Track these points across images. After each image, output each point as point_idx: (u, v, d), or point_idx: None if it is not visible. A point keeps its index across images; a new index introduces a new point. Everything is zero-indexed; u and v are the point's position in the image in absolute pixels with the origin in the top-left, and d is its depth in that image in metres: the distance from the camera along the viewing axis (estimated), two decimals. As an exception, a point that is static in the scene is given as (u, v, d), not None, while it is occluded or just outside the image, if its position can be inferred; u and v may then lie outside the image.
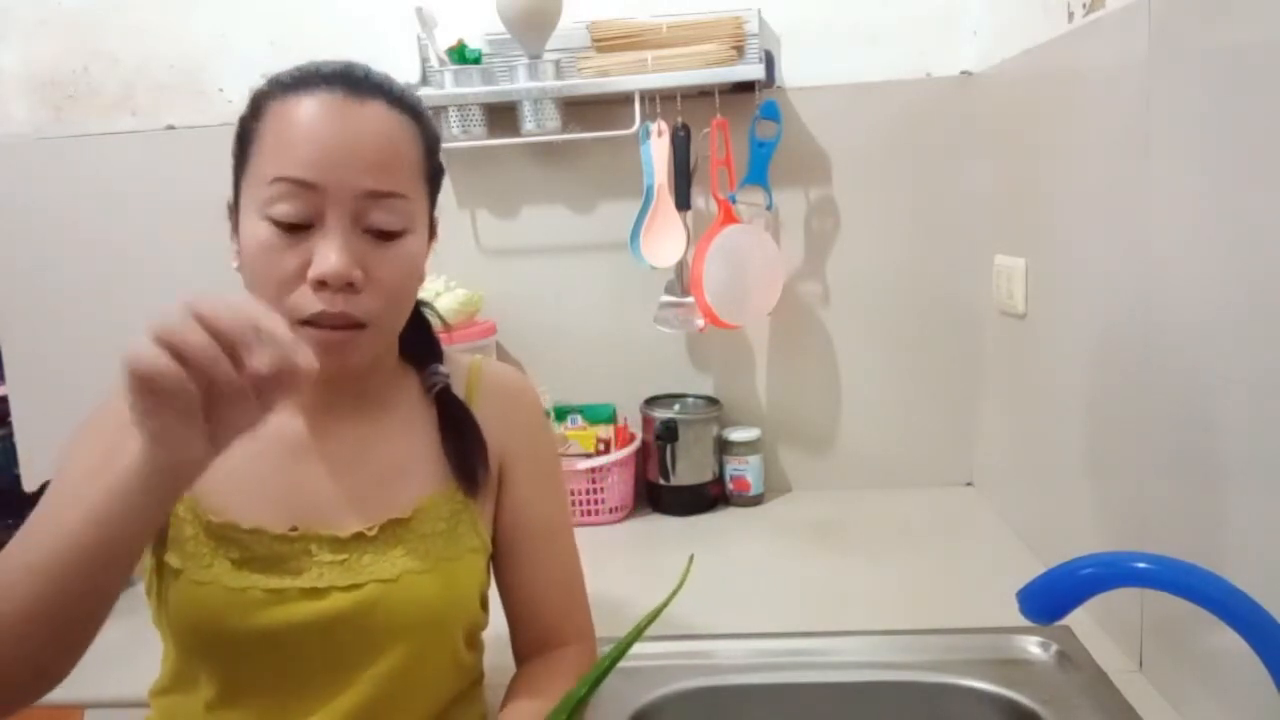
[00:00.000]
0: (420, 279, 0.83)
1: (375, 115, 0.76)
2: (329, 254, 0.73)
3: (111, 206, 1.64)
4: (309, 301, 0.73)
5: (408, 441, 0.86)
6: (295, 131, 0.74)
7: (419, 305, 0.92)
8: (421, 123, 0.81)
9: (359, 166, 0.74)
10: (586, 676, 0.83)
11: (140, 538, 0.65)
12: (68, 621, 0.65)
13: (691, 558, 0.89)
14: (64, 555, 0.63)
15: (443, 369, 0.90)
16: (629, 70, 1.46)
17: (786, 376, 1.64)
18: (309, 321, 0.74)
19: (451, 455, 0.86)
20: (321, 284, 0.73)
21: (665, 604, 0.81)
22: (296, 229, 0.74)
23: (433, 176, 0.84)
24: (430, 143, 0.83)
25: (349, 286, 0.74)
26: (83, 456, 0.77)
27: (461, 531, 0.85)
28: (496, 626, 0.93)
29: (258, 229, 0.75)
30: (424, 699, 0.84)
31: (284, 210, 0.73)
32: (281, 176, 0.73)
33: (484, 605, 0.90)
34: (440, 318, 0.95)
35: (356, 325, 0.75)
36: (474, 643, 0.90)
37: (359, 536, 0.81)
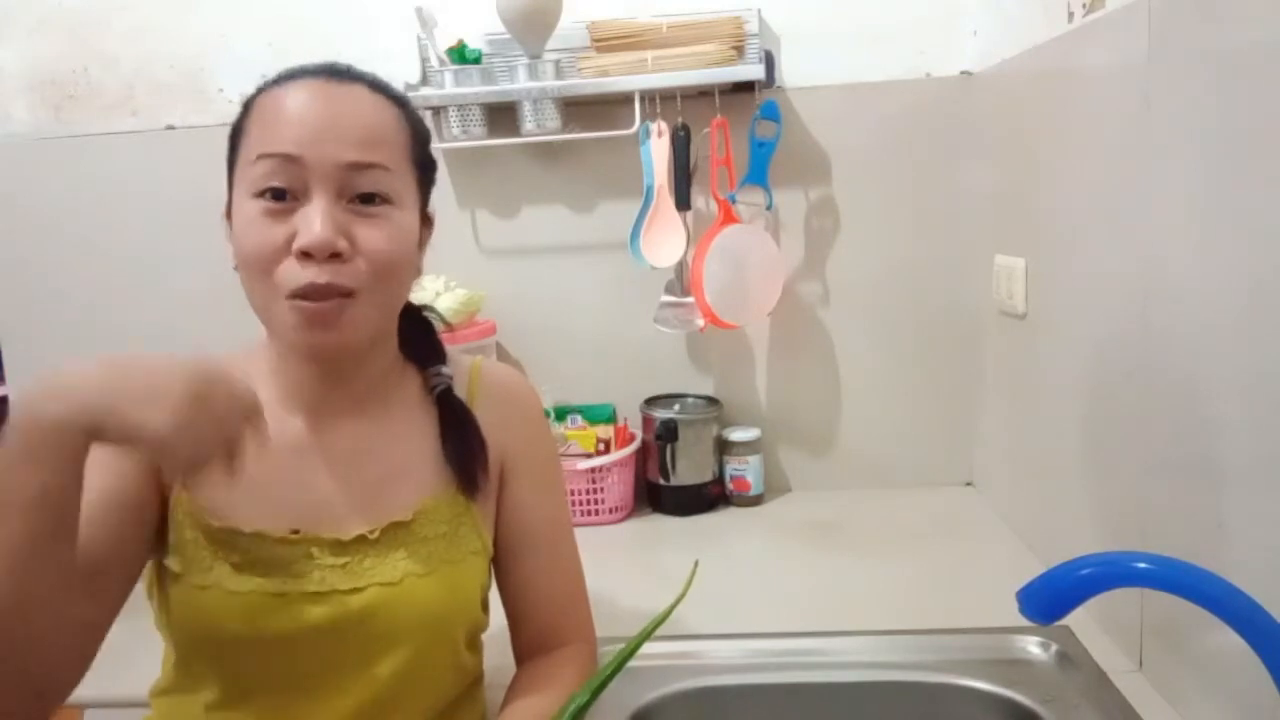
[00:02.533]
0: (410, 256, 0.82)
1: (357, 94, 0.78)
2: (313, 224, 0.73)
3: (111, 206, 1.64)
4: (296, 274, 0.74)
5: (408, 443, 0.86)
6: (279, 113, 0.76)
7: (421, 309, 0.92)
8: (405, 110, 0.82)
9: (341, 140, 0.75)
10: (589, 682, 0.82)
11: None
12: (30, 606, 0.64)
13: (696, 564, 0.88)
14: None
15: (446, 370, 0.89)
16: (629, 70, 1.46)
17: (786, 376, 1.64)
18: (298, 295, 0.74)
19: (453, 457, 0.86)
20: (306, 255, 0.73)
21: (668, 613, 0.80)
22: (283, 204, 0.74)
23: (422, 165, 0.84)
24: (416, 130, 0.83)
25: (335, 256, 0.74)
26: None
27: (463, 534, 0.85)
28: (496, 626, 0.93)
29: (246, 208, 0.75)
30: (424, 701, 0.84)
31: (269, 186, 0.74)
32: (265, 153, 0.75)
33: (485, 607, 0.90)
34: (442, 318, 0.95)
35: (345, 294, 0.75)
36: (475, 644, 0.90)
37: (361, 539, 0.81)
